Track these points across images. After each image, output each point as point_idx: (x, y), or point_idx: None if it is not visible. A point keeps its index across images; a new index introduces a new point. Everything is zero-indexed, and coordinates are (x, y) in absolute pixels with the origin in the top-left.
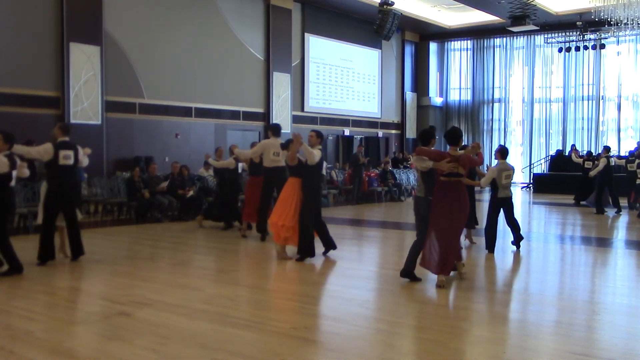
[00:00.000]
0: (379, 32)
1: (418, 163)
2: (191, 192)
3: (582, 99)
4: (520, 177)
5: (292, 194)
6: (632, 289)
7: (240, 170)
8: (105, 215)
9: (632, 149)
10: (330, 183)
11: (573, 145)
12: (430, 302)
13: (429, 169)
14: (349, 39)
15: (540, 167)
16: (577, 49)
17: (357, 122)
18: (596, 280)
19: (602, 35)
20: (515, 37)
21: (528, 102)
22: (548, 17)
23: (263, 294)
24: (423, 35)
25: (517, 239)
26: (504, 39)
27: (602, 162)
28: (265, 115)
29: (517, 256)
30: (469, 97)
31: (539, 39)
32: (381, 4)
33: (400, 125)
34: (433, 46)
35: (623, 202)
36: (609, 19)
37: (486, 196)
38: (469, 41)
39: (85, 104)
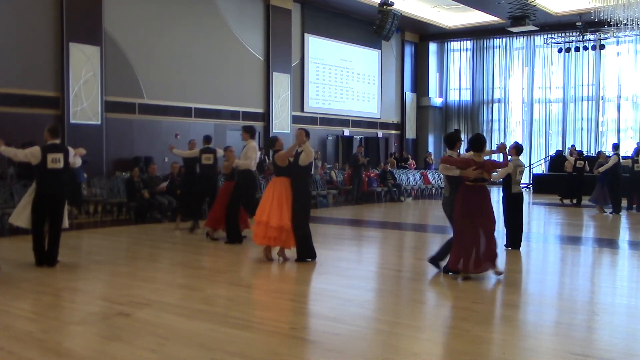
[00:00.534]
0: (379, 32)
1: (446, 171)
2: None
3: (582, 100)
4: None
5: (280, 193)
6: (631, 289)
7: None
8: (104, 215)
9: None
10: (329, 183)
11: (572, 146)
12: (430, 302)
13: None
14: (349, 39)
15: (540, 168)
16: (577, 49)
17: (357, 123)
18: (596, 280)
19: (602, 36)
20: (515, 38)
21: (528, 102)
22: (548, 18)
23: (262, 294)
24: (423, 35)
25: (515, 240)
26: (504, 39)
27: (612, 160)
28: (265, 116)
29: (516, 256)
30: (469, 98)
31: (539, 39)
32: (381, 4)
33: (400, 126)
34: (433, 46)
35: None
36: (608, 20)
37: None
38: (468, 41)
39: (85, 104)
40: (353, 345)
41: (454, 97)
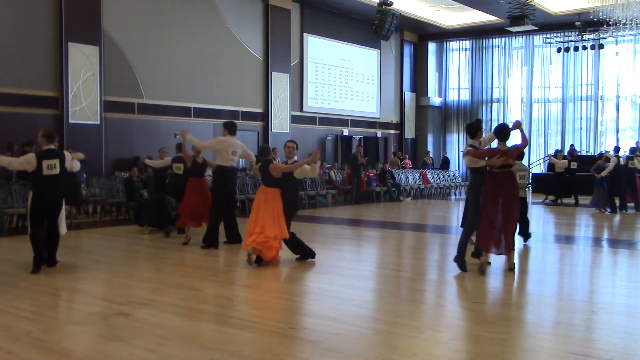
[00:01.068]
0: (378, 32)
1: (472, 164)
2: None
3: (581, 99)
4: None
5: (274, 205)
6: (630, 288)
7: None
8: (104, 215)
9: (630, 147)
10: (329, 183)
11: (572, 146)
12: (429, 302)
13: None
14: (348, 39)
15: (539, 167)
16: (576, 49)
17: (356, 122)
18: (595, 280)
19: (601, 36)
20: (514, 37)
21: (527, 102)
22: (547, 17)
23: (262, 294)
24: (422, 35)
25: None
26: (503, 39)
27: (612, 162)
28: (264, 115)
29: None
30: (468, 97)
31: (538, 39)
32: (380, 4)
33: (399, 125)
34: (432, 46)
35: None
36: (607, 19)
37: None
38: (467, 41)
39: (84, 104)
40: (352, 345)
41: (453, 96)
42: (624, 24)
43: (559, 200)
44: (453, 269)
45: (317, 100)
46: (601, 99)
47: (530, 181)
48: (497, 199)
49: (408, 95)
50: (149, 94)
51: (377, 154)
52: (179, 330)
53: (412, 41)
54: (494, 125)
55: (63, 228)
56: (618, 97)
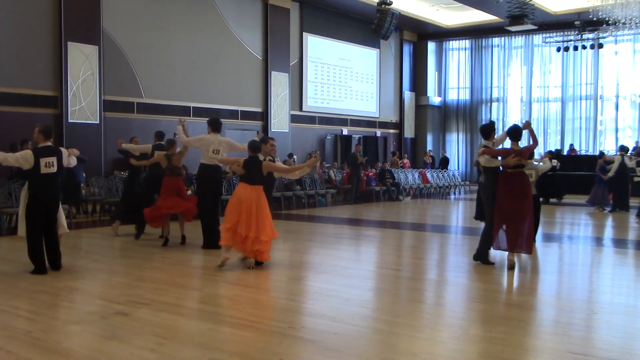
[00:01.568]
0: (377, 31)
1: (487, 163)
2: (189, 192)
3: (580, 99)
4: None
5: (265, 204)
6: (630, 288)
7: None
8: (103, 214)
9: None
10: (328, 182)
11: (571, 145)
12: (428, 302)
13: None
14: (347, 39)
15: None
16: (575, 48)
17: (356, 122)
18: (594, 279)
19: (600, 35)
20: (513, 37)
21: (526, 101)
22: (546, 17)
23: (261, 293)
24: (421, 34)
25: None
26: (502, 38)
27: (616, 160)
28: (264, 115)
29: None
30: (467, 97)
31: (537, 38)
32: (379, 4)
33: (399, 125)
34: (431, 45)
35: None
36: (607, 19)
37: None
38: (467, 40)
39: (84, 104)
40: (352, 344)
41: (452, 96)
42: (624, 23)
43: (548, 200)
44: (452, 268)
45: (316, 99)
46: (600, 98)
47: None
48: (511, 198)
49: (407, 95)
50: (149, 94)
51: (377, 154)
52: (178, 330)
53: (412, 40)
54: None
55: (64, 226)
56: (617, 96)
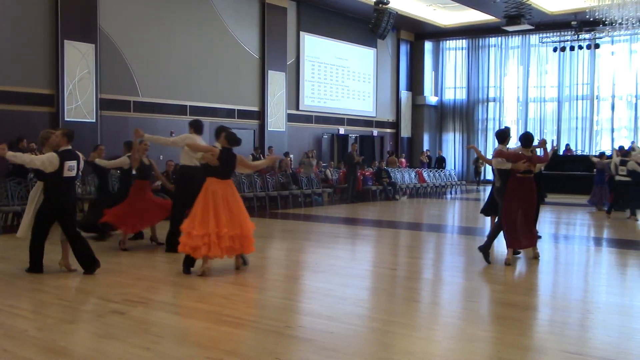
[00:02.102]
0: (374, 31)
1: (499, 165)
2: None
3: (577, 99)
4: None
5: (239, 198)
6: (625, 288)
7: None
8: None
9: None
10: (324, 182)
11: (567, 145)
12: (425, 301)
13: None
14: (344, 38)
15: None
16: (572, 48)
17: (352, 121)
18: (589, 279)
19: (597, 35)
20: (510, 37)
21: (523, 101)
22: (543, 17)
23: (257, 292)
24: (418, 34)
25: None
26: (499, 38)
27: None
28: (260, 114)
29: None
30: (464, 97)
31: (534, 38)
32: (376, 3)
33: (395, 124)
34: (428, 45)
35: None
36: (603, 19)
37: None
38: (464, 40)
39: (80, 102)
40: (348, 343)
41: (449, 95)
42: (620, 23)
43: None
44: (449, 267)
45: (313, 98)
46: (597, 98)
47: None
48: (518, 201)
49: (404, 94)
50: (145, 92)
51: (373, 153)
52: (174, 329)
53: (409, 40)
54: (490, 124)
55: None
56: (613, 96)
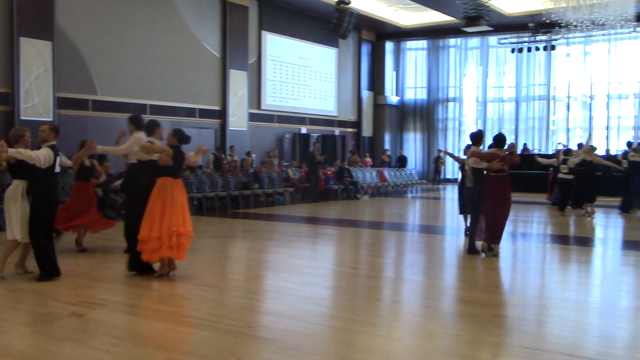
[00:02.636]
0: (336, 30)
1: (475, 164)
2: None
3: (534, 99)
4: None
5: (186, 198)
6: (579, 284)
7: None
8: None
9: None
10: (286, 181)
11: (525, 145)
12: (385, 299)
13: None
14: (306, 37)
15: None
16: (529, 50)
17: (314, 120)
18: (546, 276)
19: (553, 37)
20: (469, 38)
21: (482, 101)
22: (501, 19)
23: (218, 292)
24: (379, 34)
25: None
26: (459, 39)
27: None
28: (222, 113)
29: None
30: (425, 96)
31: (493, 39)
32: (338, 3)
33: (357, 124)
34: (389, 45)
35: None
36: (559, 21)
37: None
38: (424, 41)
39: (36, 101)
40: (309, 342)
41: (409, 95)
42: (575, 26)
43: None
44: (409, 266)
45: (275, 98)
46: (553, 99)
47: None
48: (493, 199)
49: (366, 94)
50: (104, 91)
51: (335, 152)
52: (134, 330)
53: (370, 40)
54: (450, 123)
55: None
56: (569, 97)
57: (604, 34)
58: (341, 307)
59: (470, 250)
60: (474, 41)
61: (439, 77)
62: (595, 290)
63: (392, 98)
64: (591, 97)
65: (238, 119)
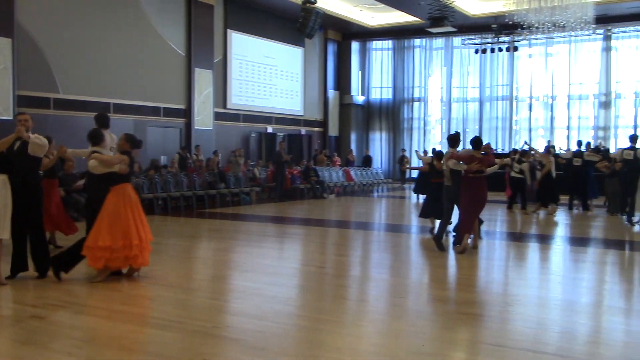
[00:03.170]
0: (302, 30)
1: (454, 166)
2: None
3: (497, 99)
4: None
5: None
6: (542, 281)
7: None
8: None
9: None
10: (252, 180)
11: (488, 144)
12: (352, 298)
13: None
14: (272, 37)
15: None
16: (492, 50)
17: (280, 120)
18: (509, 273)
19: (515, 38)
20: (434, 38)
21: (446, 101)
22: (465, 20)
23: (184, 293)
24: (345, 34)
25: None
26: (424, 39)
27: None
28: (187, 112)
29: (435, 252)
30: (390, 96)
31: (457, 40)
32: (304, 2)
33: (323, 123)
34: (355, 45)
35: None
36: (521, 23)
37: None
38: (390, 41)
39: None
40: (277, 342)
41: (375, 95)
42: (537, 27)
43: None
44: (375, 264)
45: (241, 97)
46: (515, 99)
47: None
48: (471, 198)
49: (332, 93)
50: (66, 89)
51: (301, 152)
52: (97, 332)
53: (336, 40)
54: (415, 123)
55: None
56: (531, 97)
57: (564, 36)
58: (308, 306)
59: (439, 246)
60: (439, 42)
61: (404, 77)
62: (556, 287)
63: (358, 98)
64: (552, 98)
65: (203, 118)
